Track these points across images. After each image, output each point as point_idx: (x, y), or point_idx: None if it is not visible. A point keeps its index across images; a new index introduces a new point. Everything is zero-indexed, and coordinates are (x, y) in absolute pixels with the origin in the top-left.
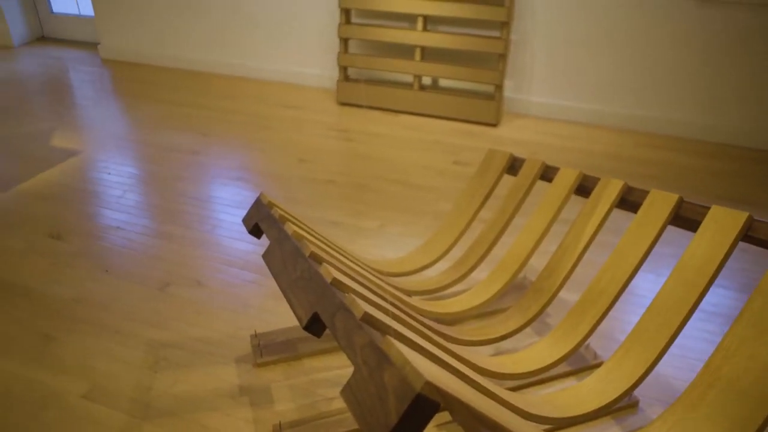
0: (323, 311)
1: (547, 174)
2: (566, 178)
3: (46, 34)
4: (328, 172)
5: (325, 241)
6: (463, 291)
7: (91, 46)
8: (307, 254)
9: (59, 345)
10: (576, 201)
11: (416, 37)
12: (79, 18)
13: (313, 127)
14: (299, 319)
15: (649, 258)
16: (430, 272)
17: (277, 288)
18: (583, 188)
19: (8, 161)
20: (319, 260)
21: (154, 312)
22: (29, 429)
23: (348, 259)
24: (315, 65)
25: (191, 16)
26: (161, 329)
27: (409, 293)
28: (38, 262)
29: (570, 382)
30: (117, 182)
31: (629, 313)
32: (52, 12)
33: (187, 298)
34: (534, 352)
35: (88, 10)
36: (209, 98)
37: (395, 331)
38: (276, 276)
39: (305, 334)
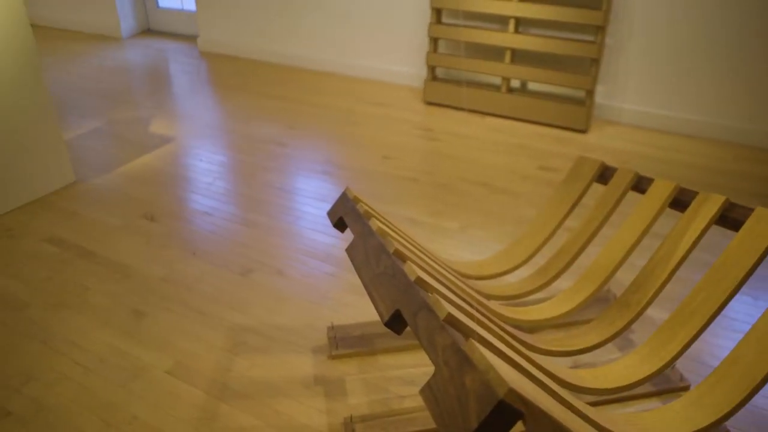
0: (405, 309)
1: (640, 185)
2: (661, 190)
3: (152, 27)
4: (411, 170)
5: (408, 238)
6: (544, 299)
7: (191, 39)
8: (391, 251)
9: (149, 321)
10: (669, 215)
11: (507, 39)
12: (181, 12)
13: (398, 125)
14: (380, 315)
15: (748, 280)
16: (510, 278)
17: (355, 282)
18: (679, 202)
19: (112, 144)
20: (403, 258)
21: (236, 297)
22: (118, 395)
23: (430, 258)
24: (404, 63)
25: (285, 12)
26: (242, 314)
27: (488, 297)
28: (133, 240)
29: (653, 404)
30: (207, 169)
31: (721, 337)
32: (158, 6)
33: (268, 285)
34: (617, 368)
35: (190, 5)
36: (299, 92)
37: (478, 335)
38: (358, 270)
39: (381, 329)
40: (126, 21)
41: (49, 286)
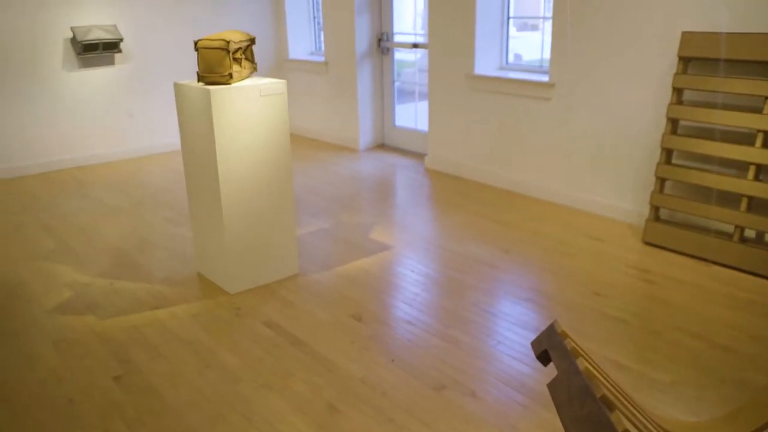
0: None
1: None
2: None
3: (386, 142)
4: (622, 310)
5: (615, 385)
6: None
7: (420, 156)
8: (598, 395)
9: (341, 417)
10: None
11: (745, 186)
12: (414, 131)
13: (613, 262)
14: None
15: None
16: None
17: (549, 419)
18: None
19: (335, 244)
20: (611, 406)
21: (427, 411)
22: None
23: (639, 411)
24: (624, 200)
25: (511, 138)
26: (430, 430)
27: None
28: (340, 337)
29: None
30: (417, 281)
31: None
32: (394, 125)
33: (460, 405)
34: None
35: (423, 125)
36: (516, 217)
37: None
38: (559, 408)
39: None
40: (365, 135)
41: (260, 366)
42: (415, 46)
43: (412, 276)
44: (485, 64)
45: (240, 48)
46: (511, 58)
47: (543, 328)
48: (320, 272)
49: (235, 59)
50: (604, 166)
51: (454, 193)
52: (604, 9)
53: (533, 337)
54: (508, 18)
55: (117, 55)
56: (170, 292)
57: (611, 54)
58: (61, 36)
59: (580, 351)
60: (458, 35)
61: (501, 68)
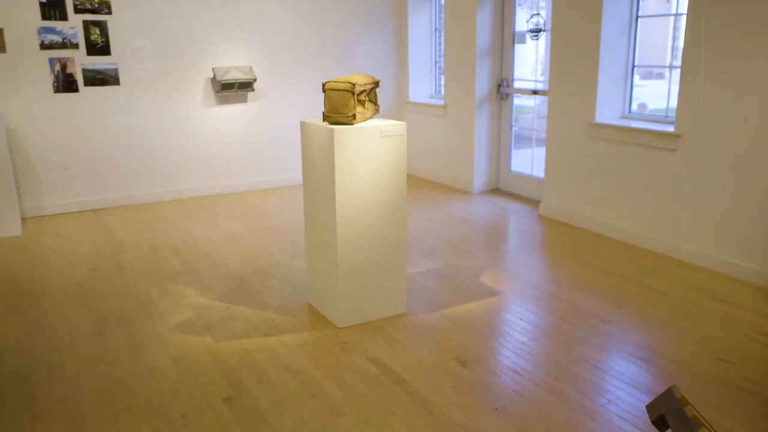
0: None
1: None
2: None
3: (500, 187)
4: (749, 380)
5: None
6: None
7: (534, 202)
8: None
9: None
10: None
11: None
12: (529, 177)
13: (740, 326)
14: None
15: None
16: None
17: None
18: None
19: (444, 286)
20: None
21: None
22: None
23: None
24: (754, 260)
25: (629, 190)
26: None
27: None
28: (443, 380)
29: None
30: (525, 329)
31: None
32: (509, 170)
33: None
34: None
35: (539, 171)
36: (632, 270)
37: None
38: None
39: None
40: (479, 179)
41: (362, 401)
42: (535, 92)
43: (519, 323)
44: (607, 113)
45: (364, 90)
46: (634, 107)
47: (658, 390)
48: (427, 313)
49: (359, 101)
50: (732, 222)
51: (568, 242)
52: (736, 60)
53: (647, 399)
54: (633, 66)
55: (250, 94)
56: (282, 321)
57: (743, 106)
58: (203, 75)
59: (702, 421)
60: (580, 82)
61: (623, 117)
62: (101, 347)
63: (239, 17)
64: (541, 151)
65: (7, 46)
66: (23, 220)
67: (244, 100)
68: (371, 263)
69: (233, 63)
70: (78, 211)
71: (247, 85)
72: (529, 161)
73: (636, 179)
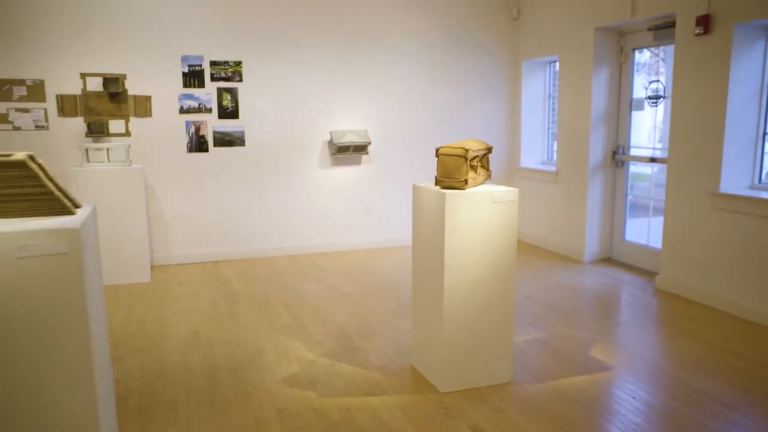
0: None
1: None
2: None
3: (613, 256)
4: None
5: None
6: None
7: (649, 274)
8: None
9: None
10: None
11: None
12: (645, 248)
13: None
14: None
15: None
16: None
17: None
18: None
19: (551, 357)
20: None
21: None
22: None
23: None
24: None
25: (759, 265)
26: None
27: None
28: None
29: None
30: (638, 408)
31: None
32: (623, 240)
33: None
34: None
35: (656, 242)
36: (761, 353)
37: None
38: None
39: None
40: (590, 248)
41: None
42: (653, 160)
43: (632, 403)
44: (733, 182)
45: (477, 156)
46: (765, 177)
47: None
48: (533, 383)
49: (471, 166)
50: None
51: (687, 318)
52: None
53: None
54: (765, 134)
55: (364, 156)
56: (384, 381)
57: None
58: (320, 138)
59: None
60: (703, 150)
61: (752, 187)
62: (212, 393)
63: (356, 83)
64: (658, 221)
65: (153, 111)
66: (152, 267)
67: (358, 162)
68: (477, 328)
69: (349, 126)
70: (200, 262)
71: (361, 148)
72: (644, 231)
73: (766, 254)
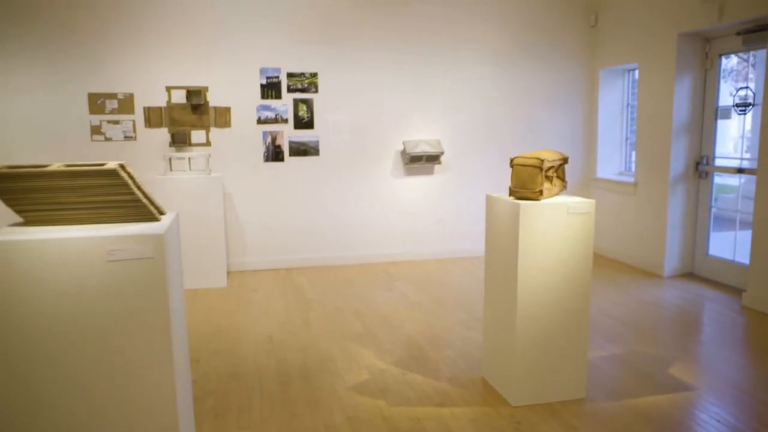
0: None
1: None
2: None
3: (695, 271)
4: None
5: None
6: None
7: (735, 291)
8: None
9: None
10: None
11: None
12: (731, 263)
13: None
14: None
15: None
16: None
17: None
18: None
19: (628, 374)
20: None
21: None
22: None
23: None
24: None
25: None
26: None
27: None
28: None
29: None
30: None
31: None
32: (707, 254)
33: None
34: None
35: (743, 257)
36: None
37: None
38: None
39: None
40: (671, 262)
41: None
42: (740, 170)
43: (716, 426)
44: None
45: (552, 166)
46: None
47: None
48: (608, 401)
49: (546, 177)
50: None
51: None
52: None
53: None
54: None
55: (436, 166)
56: (454, 392)
57: None
58: (394, 148)
59: None
60: None
61: None
62: (284, 397)
63: (430, 93)
64: (745, 235)
65: (232, 122)
66: (228, 273)
67: (430, 172)
68: (550, 342)
69: (422, 136)
70: (274, 269)
71: (434, 158)
72: (730, 245)
73: None
